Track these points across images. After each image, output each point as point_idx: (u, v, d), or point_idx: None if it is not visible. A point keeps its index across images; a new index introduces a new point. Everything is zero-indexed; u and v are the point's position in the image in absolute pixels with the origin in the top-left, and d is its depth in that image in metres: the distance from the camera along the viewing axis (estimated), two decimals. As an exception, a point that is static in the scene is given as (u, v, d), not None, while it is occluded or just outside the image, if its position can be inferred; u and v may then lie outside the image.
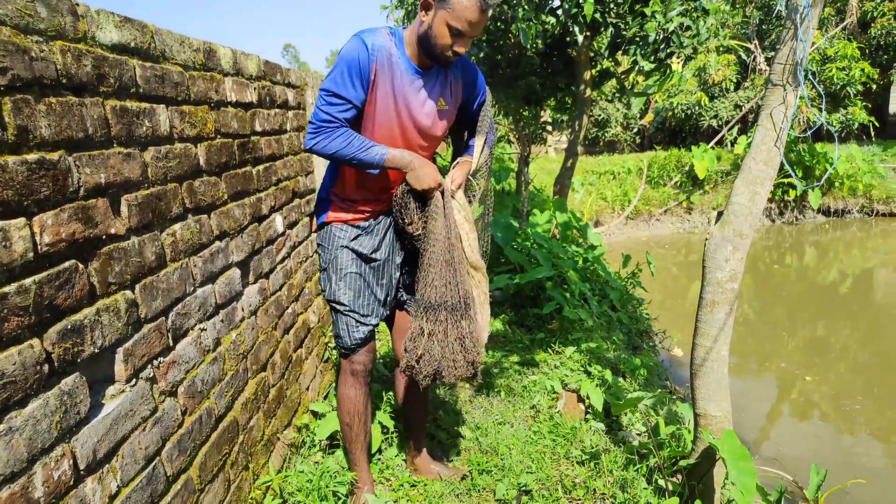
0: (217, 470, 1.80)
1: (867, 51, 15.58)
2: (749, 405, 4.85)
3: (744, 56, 16.22)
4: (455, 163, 2.13)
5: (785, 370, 5.65)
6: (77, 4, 1.23)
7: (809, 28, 1.92)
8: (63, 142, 1.17)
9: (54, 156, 1.14)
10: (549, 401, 3.22)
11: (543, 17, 4.82)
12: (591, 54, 5.75)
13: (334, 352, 3.32)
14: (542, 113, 7.38)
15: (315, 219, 2.18)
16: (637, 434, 3.05)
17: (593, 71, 5.99)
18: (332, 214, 2.10)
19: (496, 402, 3.24)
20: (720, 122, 15.85)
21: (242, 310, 2.09)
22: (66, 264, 1.17)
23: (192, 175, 1.75)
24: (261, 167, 2.34)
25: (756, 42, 16.21)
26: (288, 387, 2.56)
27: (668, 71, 5.09)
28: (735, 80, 16.18)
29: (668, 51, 4.75)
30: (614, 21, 4.88)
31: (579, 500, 2.41)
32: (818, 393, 5.15)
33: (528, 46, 4.86)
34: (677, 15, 4.48)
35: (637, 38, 4.77)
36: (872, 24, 15.82)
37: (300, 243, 2.88)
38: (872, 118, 14.42)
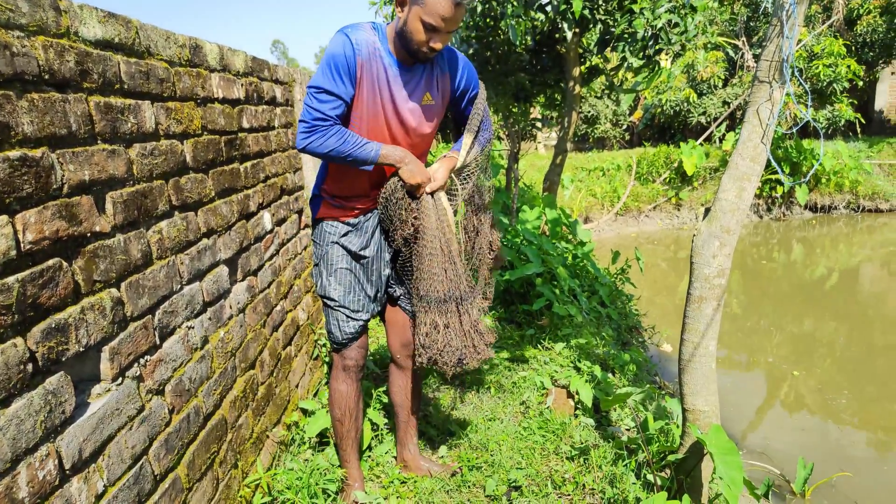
0: (205, 468, 1.79)
1: (853, 48, 15.70)
2: (737, 400, 4.89)
3: (731, 53, 16.28)
4: (439, 158, 2.10)
5: (772, 365, 5.70)
6: (59, -1, 1.22)
7: (795, 25, 1.93)
8: (46, 138, 1.16)
9: (37, 152, 1.13)
10: (539, 397, 3.23)
11: (533, 13, 4.82)
12: (581, 51, 5.76)
13: (324, 349, 3.31)
14: (532, 109, 7.39)
15: (312, 212, 2.19)
16: (626, 429, 3.06)
17: (582, 67, 6.00)
18: (323, 211, 2.11)
19: (486, 398, 3.25)
20: (709, 119, 15.93)
21: (230, 307, 2.07)
22: (50, 262, 1.16)
23: (179, 172, 1.73)
24: (248, 164, 2.33)
25: (744, 39, 16.28)
26: (277, 384, 2.55)
27: (656, 68, 5.11)
28: (723, 77, 16.25)
29: (657, 47, 4.77)
30: (603, 18, 4.89)
31: (569, 495, 2.42)
32: (805, 387, 5.20)
33: (518, 43, 4.86)
34: (665, 12, 4.50)
35: (626, 35, 4.78)
36: (858, 22, 15.95)
37: (288, 240, 2.87)
38: (859, 115, 14.54)
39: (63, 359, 1.18)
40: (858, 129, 15.32)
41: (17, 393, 1.05)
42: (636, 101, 18.05)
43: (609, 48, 5.24)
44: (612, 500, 2.34)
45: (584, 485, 2.45)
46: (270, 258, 2.56)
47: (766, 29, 2.19)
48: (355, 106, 1.92)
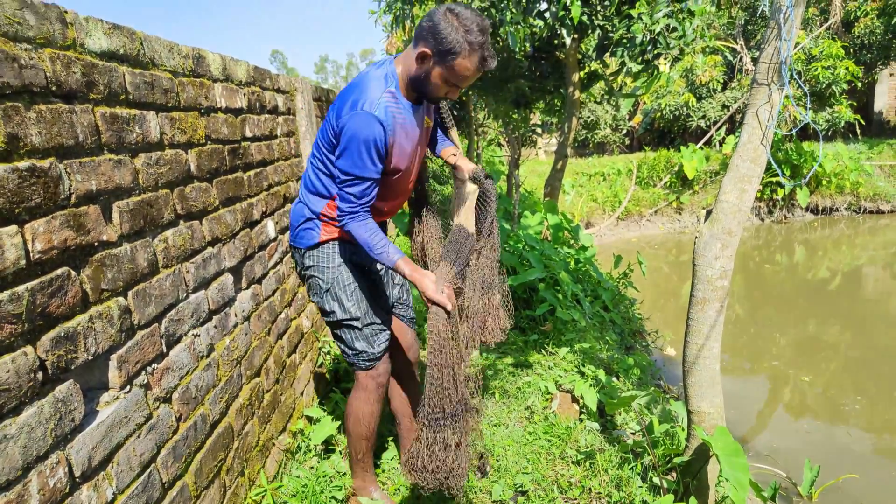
0: (213, 476, 1.80)
1: (851, 50, 15.75)
2: (742, 402, 4.88)
3: (730, 57, 16.37)
4: (451, 154, 2.22)
5: (776, 368, 5.69)
6: (66, 12, 1.23)
7: (793, 28, 1.95)
8: (53, 149, 1.17)
9: (45, 163, 1.14)
10: (544, 401, 3.23)
11: (531, 20, 4.84)
12: (580, 57, 5.79)
13: (328, 357, 3.31)
14: (532, 115, 7.42)
15: (298, 242, 2.07)
16: (631, 433, 3.06)
17: (581, 73, 6.03)
18: (325, 233, 2.02)
19: (491, 403, 3.25)
20: (708, 123, 15.96)
21: (235, 315, 2.08)
22: (59, 271, 1.17)
23: (184, 181, 1.75)
24: (252, 173, 2.34)
25: (742, 42, 16.35)
26: (282, 392, 2.55)
27: (655, 72, 5.13)
28: (722, 81, 16.30)
29: (655, 52, 4.79)
30: (601, 23, 4.92)
31: (575, 499, 2.41)
32: (810, 389, 5.19)
33: (517, 50, 4.88)
34: (663, 17, 4.52)
35: (624, 40, 4.80)
36: (856, 24, 16.01)
37: (292, 248, 2.88)
38: (858, 116, 14.56)
39: (72, 367, 1.19)
40: (858, 131, 15.34)
41: (28, 401, 1.06)
42: (636, 105, 18.09)
43: (608, 53, 5.26)
44: (618, 504, 2.34)
45: (590, 489, 2.44)
46: (274, 266, 2.57)
47: (763, 32, 2.21)
48: (386, 167, 1.91)
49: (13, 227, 1.05)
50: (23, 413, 1.05)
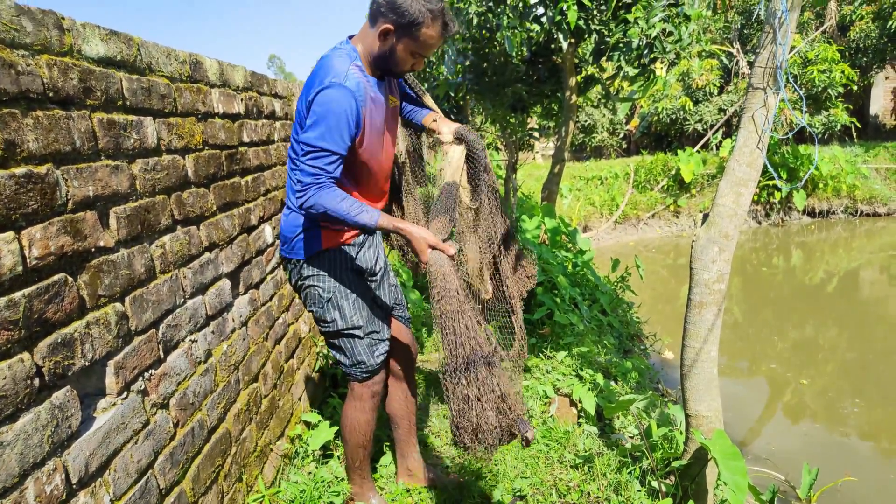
0: (210, 482, 1.79)
1: (847, 53, 15.82)
2: (740, 406, 4.88)
3: (726, 60, 16.42)
4: (432, 120, 2.15)
5: (774, 371, 5.69)
6: (63, 18, 1.23)
7: (788, 32, 1.96)
8: (50, 155, 1.17)
9: (42, 169, 1.14)
10: (542, 406, 3.23)
11: (528, 24, 4.86)
12: (576, 61, 5.80)
13: (325, 360, 3.31)
14: (529, 120, 7.43)
15: (295, 252, 1.98)
16: (630, 437, 3.06)
17: (578, 77, 6.04)
18: (327, 240, 1.96)
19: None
20: (705, 126, 16.01)
21: (233, 321, 2.08)
22: (56, 277, 1.17)
23: (181, 187, 1.75)
24: (249, 178, 2.34)
25: (738, 46, 16.41)
26: (280, 397, 2.55)
27: (652, 76, 5.15)
28: (718, 85, 16.36)
29: (652, 56, 4.81)
30: (598, 28, 4.93)
31: (574, 503, 2.41)
32: (808, 392, 5.19)
33: (514, 54, 4.90)
34: (659, 21, 4.54)
35: (621, 45, 4.82)
36: (851, 28, 16.10)
37: (290, 253, 2.88)
38: (854, 119, 14.62)
39: (69, 373, 1.19)
40: (854, 134, 15.39)
41: (25, 408, 1.06)
42: (632, 109, 18.14)
43: (604, 58, 5.28)
44: (617, 508, 2.34)
45: (588, 493, 2.44)
46: (272, 271, 2.57)
47: (759, 36, 2.21)
48: (356, 144, 1.84)
49: (10, 234, 1.05)
50: (19, 420, 1.04)
